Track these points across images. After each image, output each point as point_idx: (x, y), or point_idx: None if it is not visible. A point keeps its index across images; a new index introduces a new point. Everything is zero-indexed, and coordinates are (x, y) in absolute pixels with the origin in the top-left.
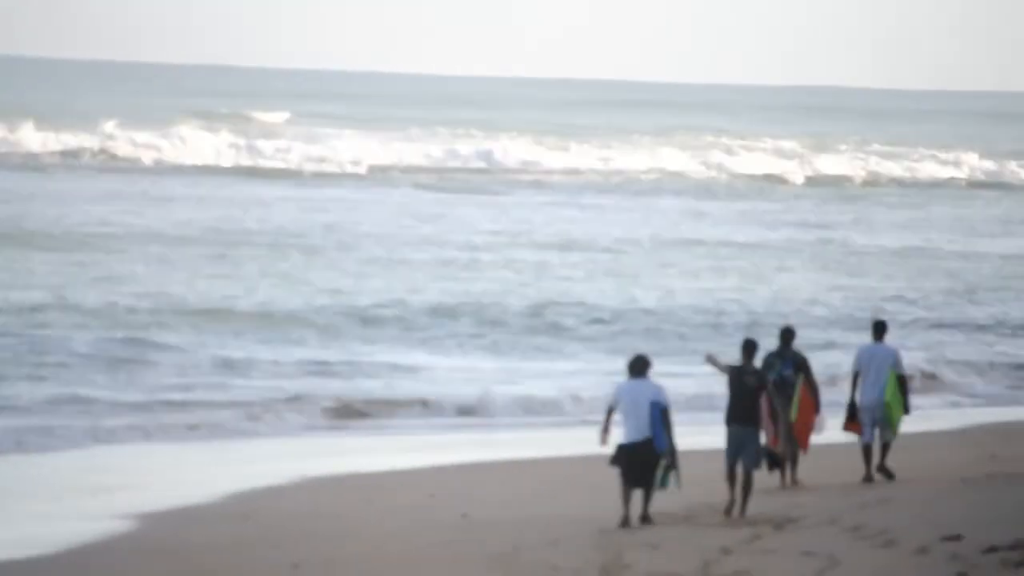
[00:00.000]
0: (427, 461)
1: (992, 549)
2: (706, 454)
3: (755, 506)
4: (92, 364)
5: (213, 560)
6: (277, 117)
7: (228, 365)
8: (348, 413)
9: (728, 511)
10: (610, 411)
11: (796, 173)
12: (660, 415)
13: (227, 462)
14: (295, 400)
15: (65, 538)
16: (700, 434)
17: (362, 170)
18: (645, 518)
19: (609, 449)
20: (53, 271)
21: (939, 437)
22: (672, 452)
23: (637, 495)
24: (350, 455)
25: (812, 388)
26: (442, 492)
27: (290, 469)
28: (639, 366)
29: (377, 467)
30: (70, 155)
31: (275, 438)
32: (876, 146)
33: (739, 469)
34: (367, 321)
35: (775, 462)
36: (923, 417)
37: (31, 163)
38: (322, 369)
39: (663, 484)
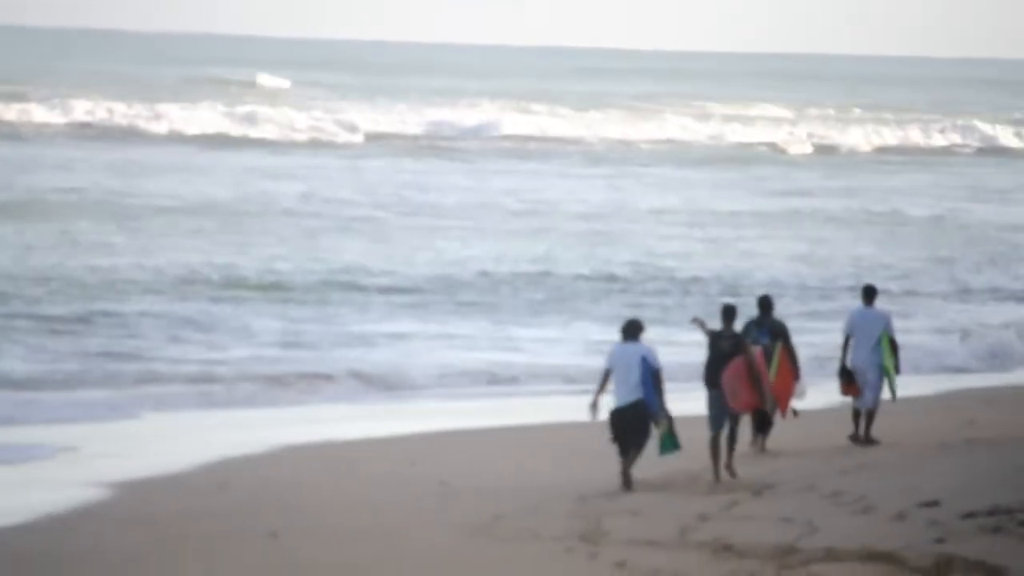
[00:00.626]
0: (406, 429)
1: (970, 515)
2: (683, 421)
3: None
4: (57, 333)
5: (189, 529)
6: (280, 83)
7: (204, 333)
8: (326, 383)
9: (716, 479)
10: (606, 375)
11: (794, 141)
12: (651, 377)
13: (201, 432)
14: (271, 369)
15: (39, 507)
16: (679, 401)
17: (358, 139)
18: (626, 480)
19: (603, 417)
20: (35, 239)
21: (917, 403)
22: (667, 416)
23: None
24: (328, 424)
25: (791, 355)
26: (421, 460)
27: (266, 438)
28: (632, 330)
29: (356, 435)
30: (75, 125)
31: (252, 408)
32: (858, 112)
33: (724, 432)
34: (347, 288)
35: (764, 423)
36: (901, 383)
37: (16, 132)
38: (300, 339)
39: (665, 450)
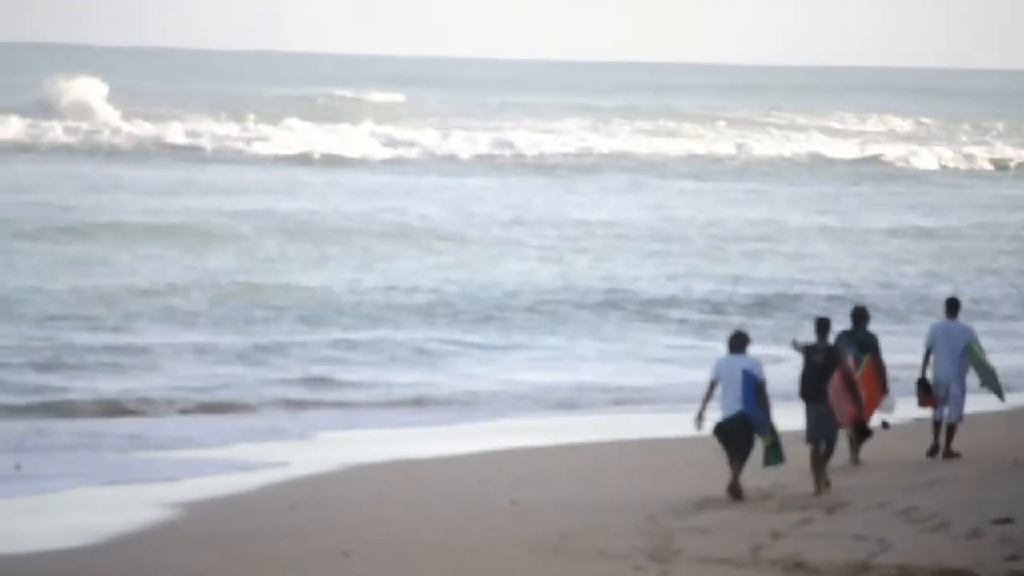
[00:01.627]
0: (475, 447)
1: None
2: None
3: (805, 489)
4: (98, 357)
5: (261, 549)
6: (394, 98)
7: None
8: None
9: (817, 491)
10: (712, 385)
11: (919, 155)
12: (754, 389)
13: (269, 451)
14: (325, 387)
15: (111, 527)
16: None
17: (465, 155)
18: (734, 490)
19: (706, 430)
20: (218, 261)
21: (988, 418)
22: (772, 428)
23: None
24: (397, 442)
25: (879, 367)
26: (490, 478)
27: (336, 457)
28: (738, 342)
29: (424, 453)
30: (172, 146)
31: (320, 428)
32: (967, 126)
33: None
34: (401, 308)
35: (864, 432)
36: (974, 400)
37: (129, 152)
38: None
39: (769, 463)
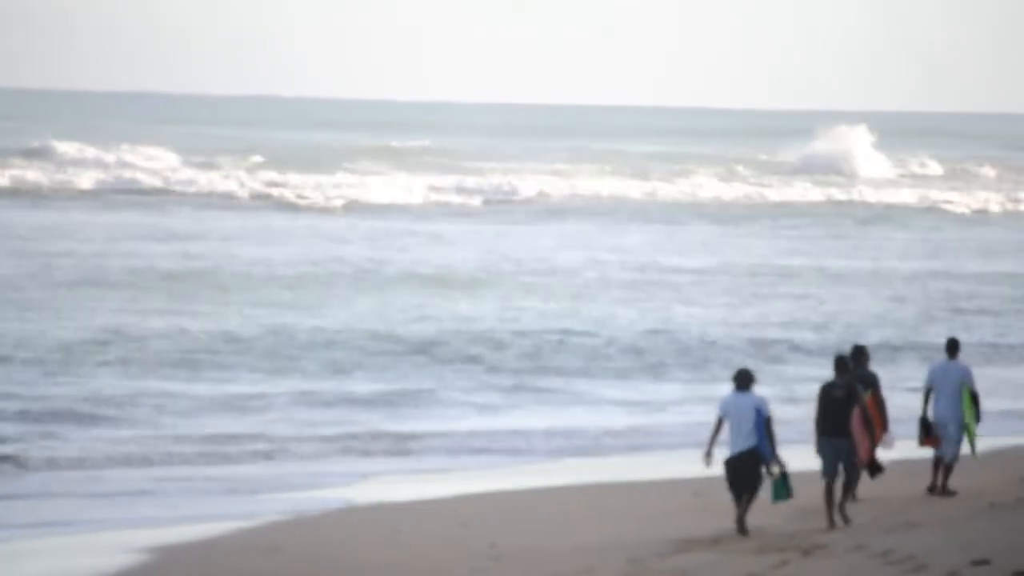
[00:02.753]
0: (457, 490)
1: (1021, 573)
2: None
3: (783, 530)
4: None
5: None
6: (421, 144)
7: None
8: (383, 447)
9: (831, 525)
10: (719, 422)
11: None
12: (764, 424)
13: (253, 492)
14: (321, 431)
15: (79, 574)
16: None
17: (477, 202)
18: (740, 527)
19: (715, 469)
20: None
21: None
22: (779, 462)
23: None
24: (379, 485)
25: (879, 405)
26: (472, 521)
27: (318, 499)
28: (743, 379)
29: (407, 496)
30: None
31: (300, 469)
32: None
33: (838, 481)
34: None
35: (875, 469)
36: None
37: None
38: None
39: (778, 498)
